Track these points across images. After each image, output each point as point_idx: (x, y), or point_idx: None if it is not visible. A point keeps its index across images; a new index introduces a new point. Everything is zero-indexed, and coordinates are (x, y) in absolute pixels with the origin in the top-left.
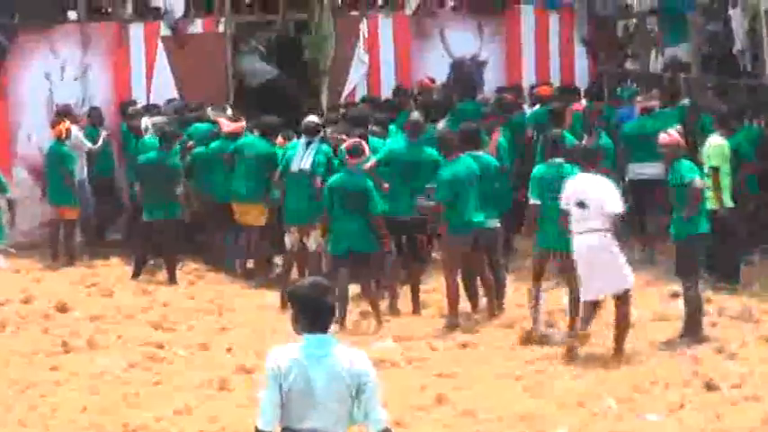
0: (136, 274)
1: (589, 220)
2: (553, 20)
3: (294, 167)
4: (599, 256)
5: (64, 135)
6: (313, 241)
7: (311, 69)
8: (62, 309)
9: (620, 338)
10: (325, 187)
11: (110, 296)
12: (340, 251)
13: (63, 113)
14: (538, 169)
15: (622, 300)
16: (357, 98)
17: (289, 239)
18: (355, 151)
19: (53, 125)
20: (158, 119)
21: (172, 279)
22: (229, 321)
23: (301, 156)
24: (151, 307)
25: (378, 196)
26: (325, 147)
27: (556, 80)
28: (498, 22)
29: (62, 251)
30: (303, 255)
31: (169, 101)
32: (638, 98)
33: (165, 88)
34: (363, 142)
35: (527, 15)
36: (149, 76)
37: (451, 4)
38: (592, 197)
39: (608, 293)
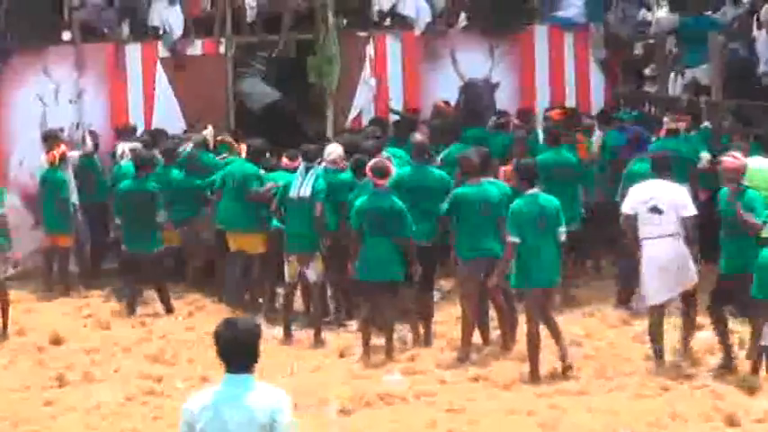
0: (131, 312)
1: (663, 225)
2: (568, 40)
3: (293, 194)
4: (673, 261)
5: (58, 161)
6: (313, 272)
7: (316, 92)
8: (57, 341)
9: (687, 341)
10: (353, 211)
11: (106, 328)
12: (368, 278)
13: (48, 138)
14: (516, 204)
15: (689, 303)
16: (364, 122)
17: (288, 270)
18: (379, 171)
19: (47, 150)
20: (134, 144)
21: (168, 309)
22: None
23: (301, 182)
24: (149, 339)
25: (410, 218)
26: (323, 171)
27: (571, 103)
28: (511, 42)
29: (56, 281)
30: (305, 286)
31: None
32: (666, 119)
33: (164, 112)
34: (386, 161)
35: (541, 35)
36: (147, 100)
37: (462, 23)
38: (667, 202)
39: (675, 295)
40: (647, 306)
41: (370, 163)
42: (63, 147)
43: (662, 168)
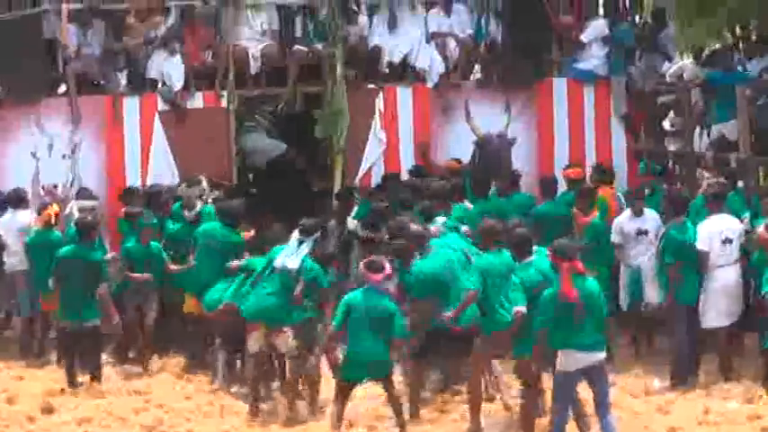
0: (71, 384)
1: (732, 254)
2: (588, 93)
3: (278, 263)
4: (737, 287)
5: (53, 221)
6: (283, 343)
7: (323, 147)
8: (48, 410)
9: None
10: (342, 303)
11: (100, 396)
12: (352, 377)
13: (12, 200)
14: (485, 258)
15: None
16: (373, 178)
17: (254, 341)
18: (373, 267)
19: (39, 210)
20: (87, 203)
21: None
22: (233, 427)
23: (291, 253)
24: (145, 408)
25: (402, 318)
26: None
27: (591, 159)
28: (528, 95)
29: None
30: (281, 357)
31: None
32: (707, 176)
33: (161, 167)
34: (384, 258)
35: (559, 88)
36: (145, 155)
37: (477, 75)
38: (735, 231)
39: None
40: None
41: (364, 261)
42: (55, 206)
43: (718, 203)
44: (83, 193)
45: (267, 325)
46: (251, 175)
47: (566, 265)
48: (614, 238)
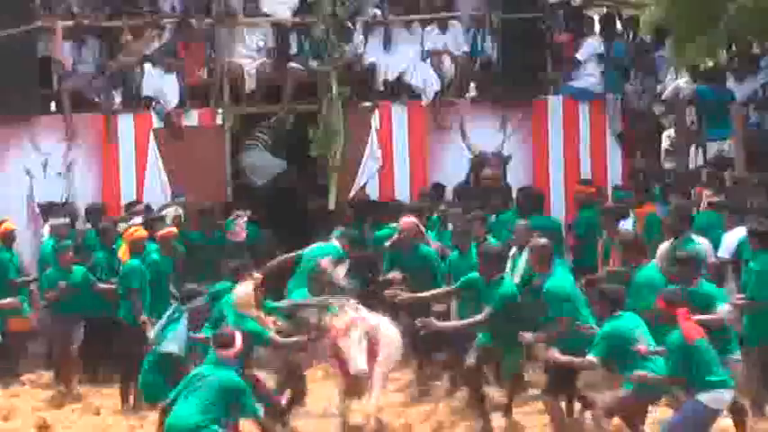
0: None
1: None
2: (583, 111)
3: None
4: None
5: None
6: None
7: (319, 166)
8: (44, 428)
9: None
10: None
11: (95, 414)
12: None
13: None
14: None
15: None
16: (370, 195)
17: None
18: (221, 341)
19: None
20: (59, 221)
21: None
22: None
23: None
24: (142, 426)
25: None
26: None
27: (586, 177)
28: (524, 113)
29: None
30: None
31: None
32: (706, 192)
33: (156, 186)
34: (235, 332)
35: (555, 107)
36: (140, 173)
37: (472, 93)
38: None
39: None
40: None
41: (216, 332)
42: (6, 223)
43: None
44: (55, 211)
45: None
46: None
47: (681, 311)
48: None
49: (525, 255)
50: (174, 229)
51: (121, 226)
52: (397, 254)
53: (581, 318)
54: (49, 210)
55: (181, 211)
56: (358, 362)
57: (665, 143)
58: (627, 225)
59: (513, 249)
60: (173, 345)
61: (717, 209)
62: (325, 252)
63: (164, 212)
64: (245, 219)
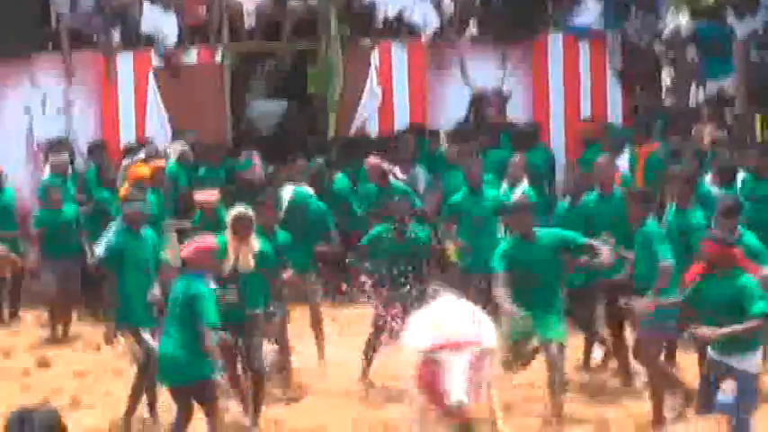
0: None
1: None
2: (583, 49)
3: None
4: None
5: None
6: None
7: (317, 104)
8: (43, 364)
9: None
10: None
11: (95, 350)
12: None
13: None
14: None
15: None
16: (369, 133)
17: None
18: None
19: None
20: (60, 157)
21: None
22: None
23: None
24: None
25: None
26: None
27: (586, 114)
28: (523, 51)
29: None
30: None
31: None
32: (708, 129)
33: (156, 124)
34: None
35: (555, 44)
36: (139, 111)
37: (473, 31)
38: None
39: None
40: None
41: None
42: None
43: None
44: (56, 148)
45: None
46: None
47: (738, 251)
48: None
49: (518, 189)
50: (162, 162)
51: (124, 163)
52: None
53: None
54: (49, 147)
55: (187, 146)
56: (458, 391)
57: (666, 80)
58: (622, 162)
59: (504, 185)
60: None
61: (718, 145)
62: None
63: (169, 148)
64: (257, 157)
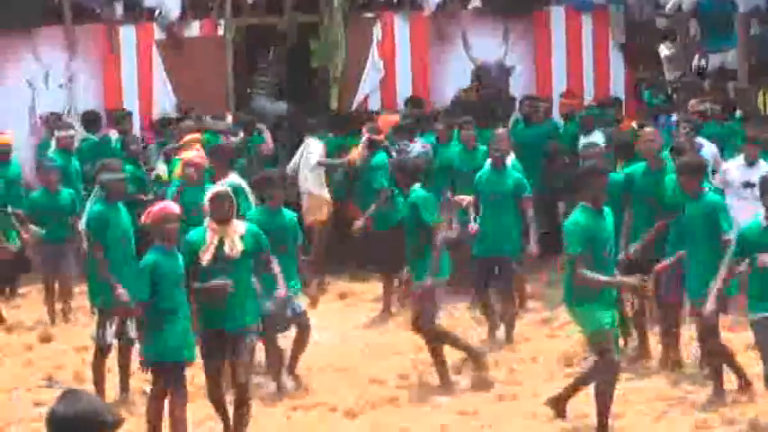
0: None
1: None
2: (586, 22)
3: None
4: None
5: None
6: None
7: (320, 77)
8: (46, 339)
9: None
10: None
11: None
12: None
13: None
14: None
15: None
16: (372, 107)
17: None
18: None
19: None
20: (67, 133)
21: None
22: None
23: None
24: None
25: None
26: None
27: (589, 88)
28: (526, 24)
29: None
30: None
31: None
32: (693, 102)
33: (160, 97)
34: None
35: (557, 17)
36: (142, 84)
37: (475, 3)
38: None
39: None
40: None
41: None
42: None
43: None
44: (64, 123)
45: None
46: None
47: None
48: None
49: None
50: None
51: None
52: None
53: None
54: (52, 121)
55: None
56: None
57: (665, 51)
58: (595, 138)
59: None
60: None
61: (703, 117)
62: None
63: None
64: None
